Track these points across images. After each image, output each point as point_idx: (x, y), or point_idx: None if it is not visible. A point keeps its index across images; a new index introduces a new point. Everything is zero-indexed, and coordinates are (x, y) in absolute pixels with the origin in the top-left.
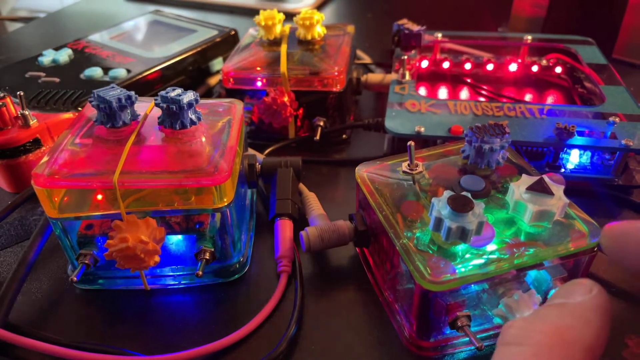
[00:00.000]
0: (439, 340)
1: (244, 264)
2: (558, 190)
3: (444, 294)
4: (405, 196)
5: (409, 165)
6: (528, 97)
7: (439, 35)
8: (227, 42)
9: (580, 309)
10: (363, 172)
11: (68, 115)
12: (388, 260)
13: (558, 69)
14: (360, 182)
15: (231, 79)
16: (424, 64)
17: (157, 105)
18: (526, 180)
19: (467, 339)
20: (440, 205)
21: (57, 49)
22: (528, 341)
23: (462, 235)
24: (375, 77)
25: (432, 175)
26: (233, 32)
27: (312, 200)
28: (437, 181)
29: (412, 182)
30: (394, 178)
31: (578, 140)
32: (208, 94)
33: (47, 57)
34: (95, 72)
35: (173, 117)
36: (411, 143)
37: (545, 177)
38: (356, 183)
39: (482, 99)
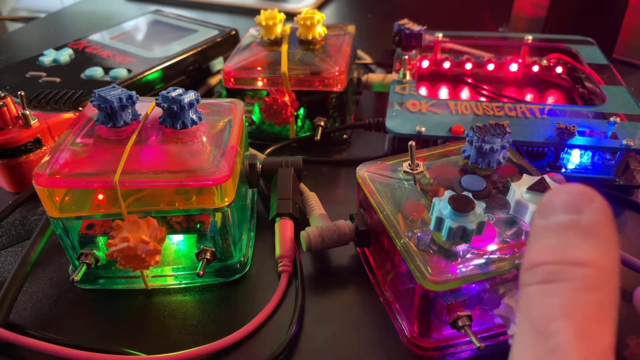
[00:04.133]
0: (440, 340)
1: (244, 264)
2: None
3: (445, 294)
4: (406, 196)
5: (409, 165)
6: (529, 97)
7: (440, 35)
8: (227, 42)
9: (596, 228)
10: (364, 172)
11: (69, 115)
12: (389, 260)
13: (559, 69)
14: (361, 182)
15: (232, 79)
16: (425, 63)
17: (158, 105)
18: (527, 180)
19: (468, 339)
20: (441, 205)
21: (57, 48)
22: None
23: (463, 235)
24: (376, 77)
25: (432, 175)
26: (234, 32)
27: (313, 200)
28: (437, 181)
29: (412, 182)
30: (394, 178)
31: (579, 140)
32: (209, 93)
33: (48, 57)
34: (96, 72)
35: (174, 116)
36: (412, 143)
37: (546, 177)
38: (357, 183)
39: (482, 99)
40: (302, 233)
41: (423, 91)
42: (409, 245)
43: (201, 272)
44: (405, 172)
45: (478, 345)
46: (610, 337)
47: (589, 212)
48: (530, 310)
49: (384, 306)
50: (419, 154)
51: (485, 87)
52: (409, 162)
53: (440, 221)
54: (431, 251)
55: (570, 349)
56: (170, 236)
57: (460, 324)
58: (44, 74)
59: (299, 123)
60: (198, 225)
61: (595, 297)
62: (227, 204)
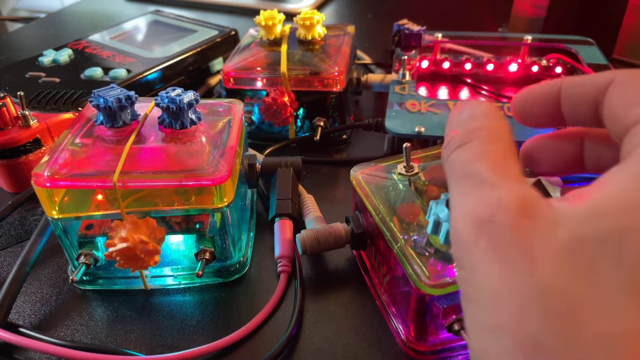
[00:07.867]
0: (436, 344)
1: (244, 264)
2: (555, 191)
3: (441, 298)
4: (401, 198)
5: (404, 167)
6: None
7: (439, 35)
8: (227, 42)
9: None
10: (358, 174)
11: (68, 115)
12: (385, 263)
13: (558, 69)
14: (355, 184)
15: (231, 79)
16: (424, 64)
17: (157, 105)
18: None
19: (465, 342)
20: (438, 208)
21: (57, 49)
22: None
23: None
24: (376, 77)
25: (428, 177)
26: (233, 32)
27: (310, 202)
28: (433, 182)
29: (408, 184)
30: (389, 180)
31: None
32: (208, 94)
33: (48, 57)
34: (96, 72)
35: (173, 117)
36: (407, 145)
37: (542, 179)
38: (352, 185)
39: (482, 99)
40: (298, 236)
41: (422, 91)
42: (405, 248)
43: (200, 273)
44: (400, 174)
45: None
46: (517, 170)
47: (479, 106)
48: (454, 167)
49: (380, 309)
50: (415, 155)
51: (485, 87)
52: (404, 164)
53: (437, 224)
54: (427, 254)
55: (492, 178)
56: (170, 236)
57: (456, 327)
58: (43, 74)
59: (299, 123)
60: (197, 226)
61: (499, 144)
62: (226, 204)
